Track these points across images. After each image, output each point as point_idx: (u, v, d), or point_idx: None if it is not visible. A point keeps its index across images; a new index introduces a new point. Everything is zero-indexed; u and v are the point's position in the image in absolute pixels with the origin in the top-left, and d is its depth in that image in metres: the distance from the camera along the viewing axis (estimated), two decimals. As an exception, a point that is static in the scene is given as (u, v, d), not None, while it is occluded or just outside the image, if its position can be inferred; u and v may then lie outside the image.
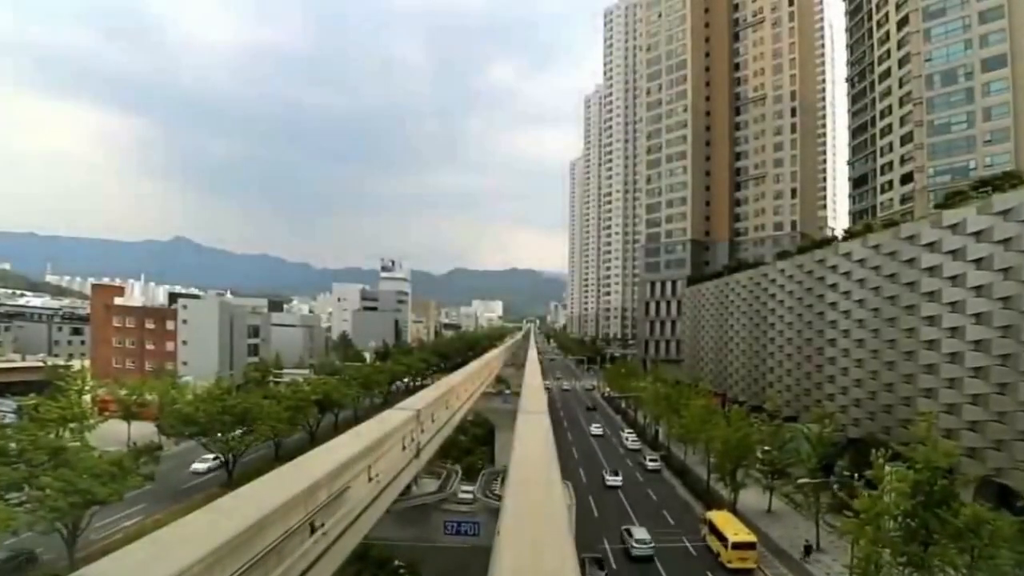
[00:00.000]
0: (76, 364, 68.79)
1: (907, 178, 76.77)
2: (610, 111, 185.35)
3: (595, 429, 71.40)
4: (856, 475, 33.48)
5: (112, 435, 57.31)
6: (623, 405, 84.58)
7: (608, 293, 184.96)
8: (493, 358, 55.41)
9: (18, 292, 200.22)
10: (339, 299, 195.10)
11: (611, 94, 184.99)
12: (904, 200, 76.71)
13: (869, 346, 46.16)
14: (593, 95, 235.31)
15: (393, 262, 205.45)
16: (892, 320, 43.78)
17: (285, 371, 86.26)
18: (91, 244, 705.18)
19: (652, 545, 34.49)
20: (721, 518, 35.80)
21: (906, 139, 77.34)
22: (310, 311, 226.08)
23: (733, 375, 73.89)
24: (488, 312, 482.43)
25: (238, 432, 45.54)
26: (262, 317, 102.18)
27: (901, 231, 43.23)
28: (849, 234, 53.43)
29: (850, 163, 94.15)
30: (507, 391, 51.84)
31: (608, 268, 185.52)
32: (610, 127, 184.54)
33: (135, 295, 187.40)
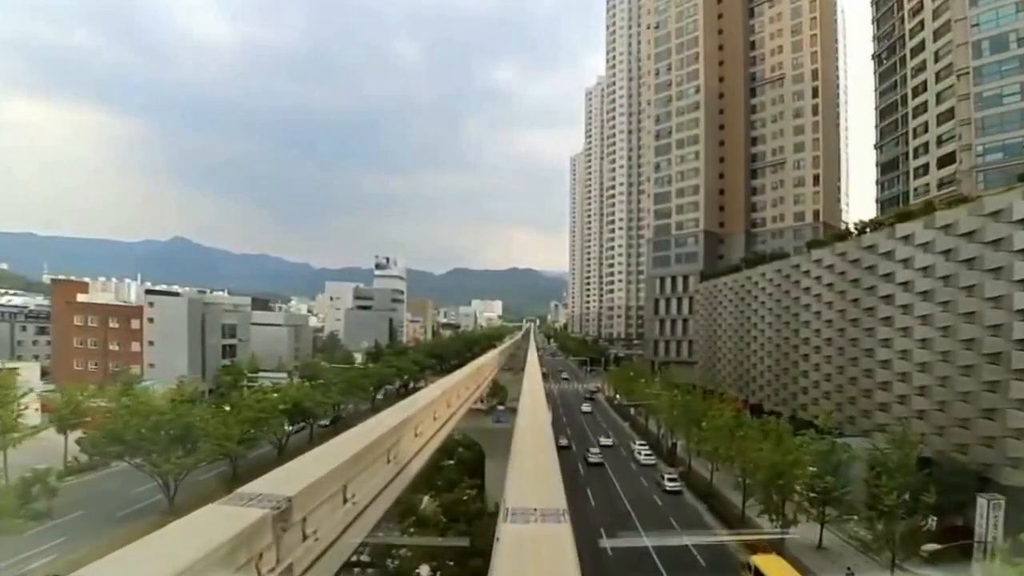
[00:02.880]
0: (18, 366, 61.29)
1: (946, 160, 69.29)
2: (613, 102, 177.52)
3: (585, 407, 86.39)
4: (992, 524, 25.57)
5: (55, 449, 49.77)
6: (632, 412, 76.66)
7: (611, 291, 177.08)
8: (486, 364, 47.05)
9: (11, 292, 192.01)
10: (332, 298, 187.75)
11: (614, 83, 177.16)
12: (942, 184, 69.17)
13: (938, 347, 38.33)
14: (595, 88, 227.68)
15: (388, 259, 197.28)
16: (970, 315, 35.99)
17: (261, 374, 78.50)
18: (90, 244, 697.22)
19: (601, 456, 55.91)
20: (770, 565, 28.06)
21: (943, 117, 69.88)
22: (309, 311, 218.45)
23: (757, 379, 66.07)
24: (488, 312, 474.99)
25: (179, 454, 37.88)
26: (239, 315, 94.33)
27: (984, 206, 35.40)
28: (904, 215, 45.59)
29: (877, 147, 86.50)
30: (501, 407, 43.90)
31: (611, 265, 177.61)
32: (613, 118, 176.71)
33: (131, 295, 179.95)
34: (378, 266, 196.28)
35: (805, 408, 54.80)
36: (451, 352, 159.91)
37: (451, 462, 35.98)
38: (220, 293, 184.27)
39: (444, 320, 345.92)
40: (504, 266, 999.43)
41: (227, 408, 50.35)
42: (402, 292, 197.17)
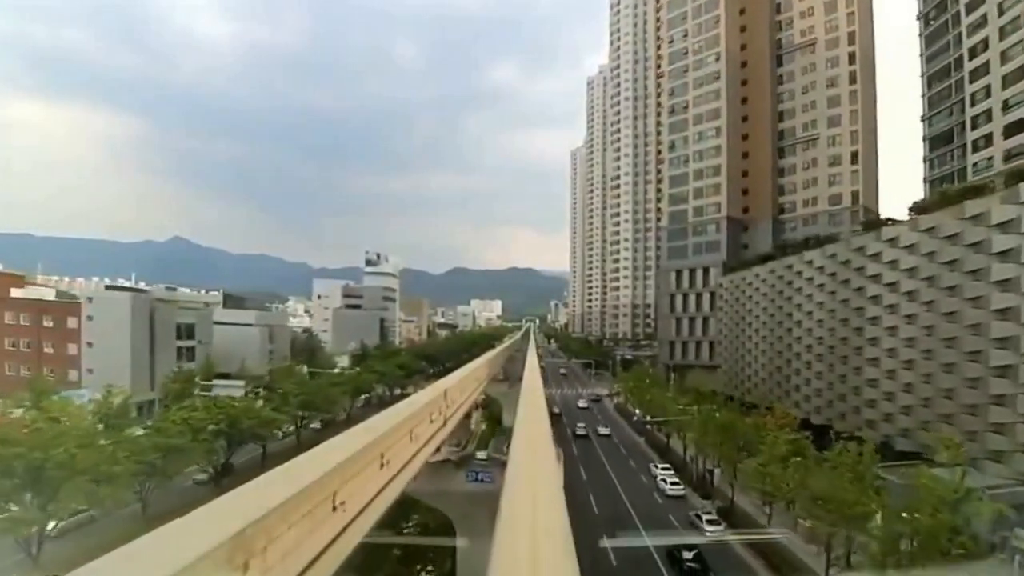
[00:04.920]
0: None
1: (1015, 128, 58.86)
2: (617, 86, 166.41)
3: (582, 403, 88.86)
4: None
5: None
6: (647, 424, 65.04)
7: (616, 288, 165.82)
8: (471, 375, 34.49)
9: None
10: (320, 296, 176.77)
11: (618, 67, 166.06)
12: (1010, 157, 58.62)
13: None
14: (597, 76, 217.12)
15: (379, 255, 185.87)
16: None
17: (217, 382, 67.44)
18: (89, 244, 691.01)
19: (586, 429, 66.70)
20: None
21: (1012, 78, 59.44)
22: (306, 311, 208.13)
23: (802, 388, 54.94)
24: (487, 312, 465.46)
25: (29, 502, 26.98)
26: (198, 314, 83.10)
27: None
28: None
29: (925, 119, 75.72)
30: (481, 454, 32.10)
31: (616, 261, 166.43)
32: (617, 103, 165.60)
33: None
34: (368, 263, 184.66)
35: (873, 426, 43.77)
36: (445, 353, 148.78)
37: (407, 524, 24.70)
38: (215, 293, 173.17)
39: (441, 320, 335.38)
40: (504, 266, 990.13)
41: (140, 432, 39.57)
42: (394, 290, 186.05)
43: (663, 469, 49.31)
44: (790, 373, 57.30)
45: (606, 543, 31.21)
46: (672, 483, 45.59)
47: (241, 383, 65.32)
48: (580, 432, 65.86)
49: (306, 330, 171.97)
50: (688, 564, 29.90)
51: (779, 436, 36.25)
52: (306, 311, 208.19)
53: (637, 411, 70.07)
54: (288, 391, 55.66)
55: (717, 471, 44.07)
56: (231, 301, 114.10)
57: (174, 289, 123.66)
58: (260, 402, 55.47)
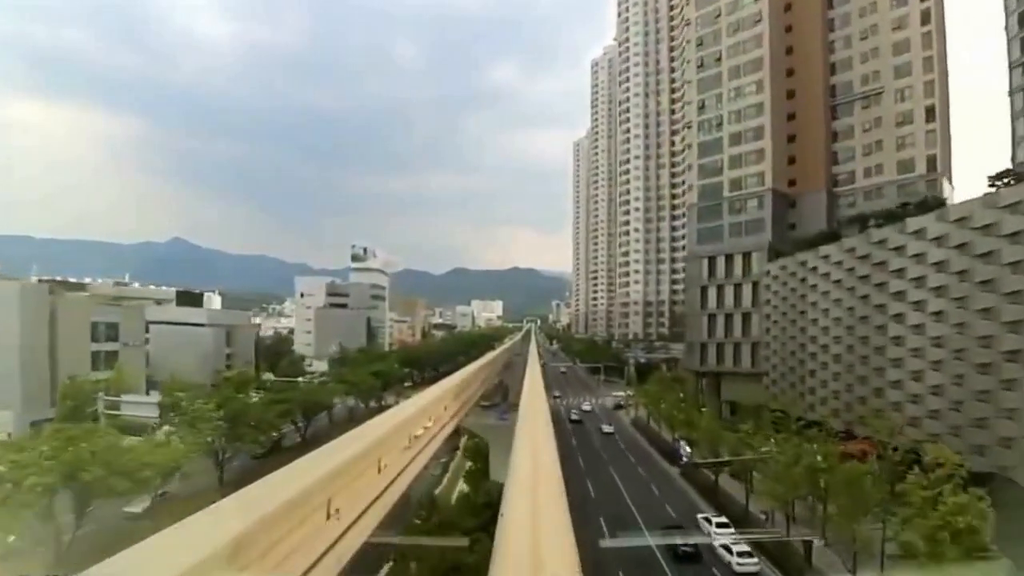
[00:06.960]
0: None
1: None
2: (627, 60, 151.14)
3: (585, 406, 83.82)
4: None
5: None
6: (697, 465, 48.70)
7: (626, 284, 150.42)
8: (414, 418, 18.39)
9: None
10: (303, 295, 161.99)
11: (627, 39, 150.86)
12: None
13: None
14: (602, 58, 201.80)
15: (365, 250, 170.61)
16: None
17: (127, 398, 52.67)
18: (89, 246, 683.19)
19: (580, 417, 72.63)
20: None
21: None
22: None
23: (908, 408, 39.60)
24: (488, 312, 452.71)
25: None
26: (124, 311, 67.95)
27: None
28: None
29: (1015, 67, 60.55)
30: None
31: (626, 254, 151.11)
32: (627, 79, 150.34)
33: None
34: (355, 258, 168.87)
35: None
36: (439, 356, 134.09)
37: None
38: (209, 293, 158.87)
39: (439, 320, 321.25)
40: (505, 266, 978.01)
41: None
42: (383, 288, 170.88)
43: (720, 526, 34.23)
44: (883, 386, 42.11)
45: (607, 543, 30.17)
46: (740, 554, 30.49)
47: (154, 400, 50.39)
48: (575, 418, 73.25)
49: (290, 331, 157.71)
50: (683, 548, 30.75)
51: (947, 496, 21.34)
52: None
53: (681, 440, 53.52)
54: (200, 413, 40.53)
55: (818, 542, 28.92)
56: (184, 297, 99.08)
57: (125, 284, 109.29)
58: (164, 428, 40.91)
